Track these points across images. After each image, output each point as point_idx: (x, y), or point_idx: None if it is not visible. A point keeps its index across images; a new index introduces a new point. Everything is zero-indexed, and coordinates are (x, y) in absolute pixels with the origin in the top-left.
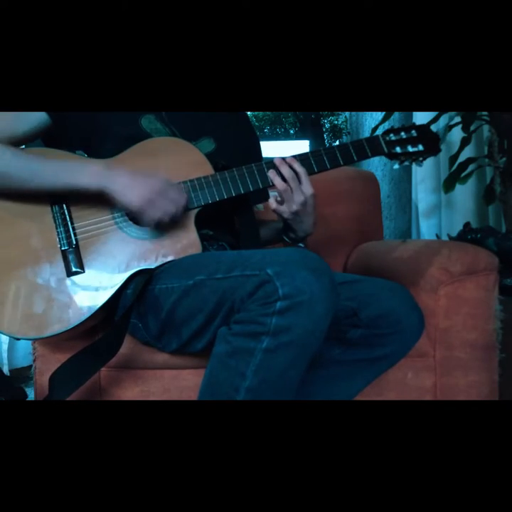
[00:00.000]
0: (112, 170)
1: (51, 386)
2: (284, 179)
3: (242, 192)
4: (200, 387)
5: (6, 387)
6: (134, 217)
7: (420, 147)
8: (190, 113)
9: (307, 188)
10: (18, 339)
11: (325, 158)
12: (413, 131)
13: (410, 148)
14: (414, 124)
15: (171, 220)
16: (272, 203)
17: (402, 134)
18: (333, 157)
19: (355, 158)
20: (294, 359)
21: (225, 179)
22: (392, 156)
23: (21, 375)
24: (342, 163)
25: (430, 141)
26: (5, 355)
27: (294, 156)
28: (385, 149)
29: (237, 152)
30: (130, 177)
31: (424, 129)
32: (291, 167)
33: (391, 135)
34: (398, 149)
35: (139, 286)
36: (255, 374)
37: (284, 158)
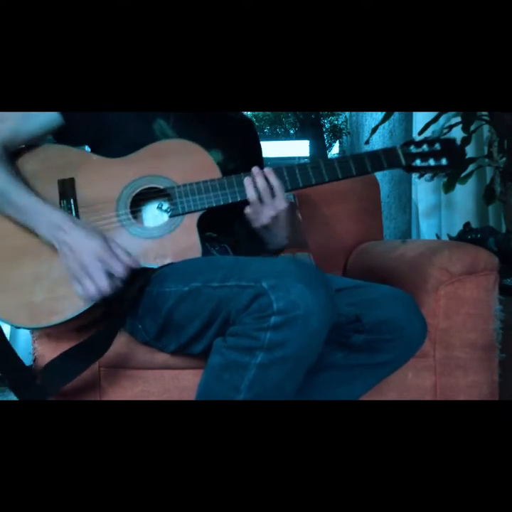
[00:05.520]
0: (65, 228)
1: (43, 379)
2: (257, 190)
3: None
4: (195, 396)
5: (15, 367)
6: (138, 217)
7: (444, 161)
8: (201, 125)
9: (280, 203)
10: (18, 327)
11: (337, 167)
12: (437, 144)
13: (432, 162)
14: (438, 137)
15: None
16: (247, 209)
17: (425, 146)
18: (346, 167)
19: (369, 169)
20: (288, 373)
21: (232, 183)
22: (410, 169)
23: None
24: (355, 173)
25: (455, 156)
26: None
27: (286, 166)
28: (403, 162)
29: (242, 165)
30: (73, 241)
31: (449, 142)
32: (266, 179)
33: (412, 147)
34: (418, 162)
35: (137, 287)
36: (249, 389)
37: (261, 170)
